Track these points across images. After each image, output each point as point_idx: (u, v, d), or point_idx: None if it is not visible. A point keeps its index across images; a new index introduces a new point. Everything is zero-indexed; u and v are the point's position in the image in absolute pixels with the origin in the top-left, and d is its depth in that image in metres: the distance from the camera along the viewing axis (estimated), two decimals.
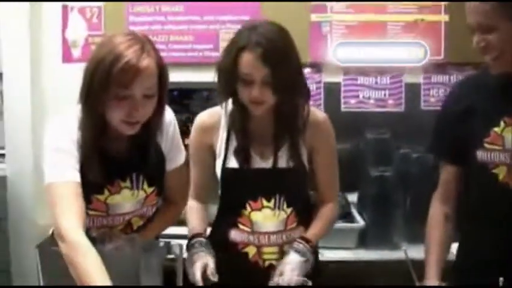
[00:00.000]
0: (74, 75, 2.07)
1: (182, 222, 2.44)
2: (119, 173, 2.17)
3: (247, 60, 2.12)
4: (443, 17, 3.50)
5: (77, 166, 2.04)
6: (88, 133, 2.06)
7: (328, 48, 3.50)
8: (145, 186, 2.22)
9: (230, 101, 2.31)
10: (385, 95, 3.56)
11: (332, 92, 3.57)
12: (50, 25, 3.65)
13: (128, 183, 2.19)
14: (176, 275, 2.19)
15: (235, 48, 2.15)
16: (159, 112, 2.14)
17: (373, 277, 3.18)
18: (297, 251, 2.25)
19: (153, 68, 2.01)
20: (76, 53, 3.64)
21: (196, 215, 2.38)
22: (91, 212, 2.16)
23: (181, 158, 2.38)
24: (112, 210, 2.19)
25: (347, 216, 3.42)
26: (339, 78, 3.53)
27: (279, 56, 2.12)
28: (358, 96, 3.57)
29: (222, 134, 2.34)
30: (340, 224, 3.33)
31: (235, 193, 2.34)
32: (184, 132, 3.37)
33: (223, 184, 2.36)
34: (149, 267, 2.07)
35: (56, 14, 3.63)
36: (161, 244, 2.11)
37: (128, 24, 3.53)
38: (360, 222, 3.41)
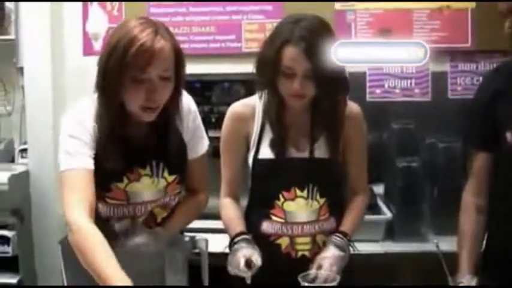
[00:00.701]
0: (96, 68, 2.05)
1: (207, 216, 2.41)
2: (138, 161, 2.16)
3: (290, 54, 2.13)
4: (470, 4, 3.43)
5: (90, 153, 2.05)
6: (106, 121, 2.06)
7: (352, 36, 3.48)
8: (166, 174, 2.21)
9: (265, 91, 2.31)
10: (411, 84, 3.50)
11: (357, 81, 3.51)
12: (70, 18, 3.63)
13: (147, 171, 2.18)
14: (201, 270, 2.17)
15: (278, 41, 2.16)
16: (176, 96, 2.13)
17: (401, 269, 3.16)
18: (336, 245, 2.25)
19: (168, 49, 2.01)
20: (97, 45, 3.62)
21: (234, 213, 2.37)
22: (111, 201, 2.16)
23: (203, 147, 2.36)
24: (132, 199, 2.18)
25: (374, 208, 3.36)
26: (364, 68, 3.49)
27: (322, 51, 2.10)
28: (383, 86, 3.52)
29: (257, 125, 2.34)
30: (366, 216, 3.28)
31: (267, 184, 2.33)
32: (207, 123, 3.35)
33: (255, 175, 2.36)
34: (174, 262, 2.06)
35: (76, 7, 3.62)
36: (186, 239, 2.09)
37: (149, 16, 3.47)
38: (387, 214, 3.37)
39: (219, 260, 2.22)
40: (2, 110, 3.79)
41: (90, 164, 2.04)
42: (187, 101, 2.26)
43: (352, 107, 2.36)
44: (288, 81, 2.16)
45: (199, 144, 2.34)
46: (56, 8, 3.59)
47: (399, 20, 3.44)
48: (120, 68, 1.97)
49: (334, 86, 2.20)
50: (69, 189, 2.00)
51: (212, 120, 3.40)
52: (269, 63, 2.17)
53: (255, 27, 3.48)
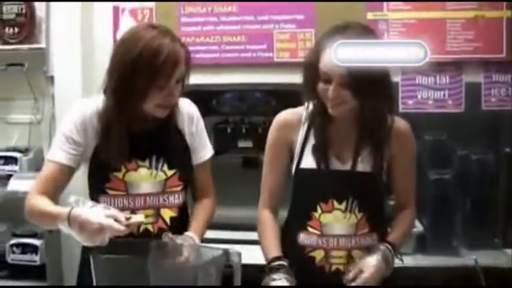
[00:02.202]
0: None
1: (238, 228, 2.40)
2: (138, 155, 2.28)
3: (327, 59, 2.11)
4: (505, 13, 3.37)
5: (70, 150, 2.24)
6: (116, 120, 2.21)
7: None
8: (166, 168, 2.30)
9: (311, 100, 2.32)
10: (444, 95, 3.45)
11: None
12: (101, 27, 3.63)
13: (146, 163, 2.28)
14: (233, 282, 2.15)
15: (318, 46, 2.18)
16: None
17: (432, 283, 3.12)
18: (383, 255, 2.23)
19: (183, 54, 2.19)
20: None
21: (271, 232, 2.37)
22: (111, 192, 2.29)
23: (207, 153, 2.45)
24: (131, 190, 2.30)
25: None
26: (396, 78, 3.43)
27: None
28: (416, 97, 3.47)
29: (302, 134, 2.33)
30: None
31: (306, 195, 2.32)
32: (237, 134, 3.31)
33: (296, 185, 2.35)
34: (208, 275, 2.04)
35: (107, 16, 3.62)
36: (220, 252, 2.08)
37: (180, 25, 3.49)
38: (419, 227, 3.33)
39: (250, 272, 2.21)
40: (31, 119, 3.79)
41: (65, 159, 2.24)
42: (189, 106, 2.41)
43: (400, 123, 2.34)
44: (325, 87, 2.15)
45: (203, 150, 2.44)
46: (87, 17, 3.59)
47: (432, 30, 3.39)
48: (146, 78, 2.12)
49: (374, 97, 2.15)
50: (38, 177, 2.26)
51: (242, 131, 3.36)
52: (311, 68, 2.19)
53: (287, 37, 3.45)
